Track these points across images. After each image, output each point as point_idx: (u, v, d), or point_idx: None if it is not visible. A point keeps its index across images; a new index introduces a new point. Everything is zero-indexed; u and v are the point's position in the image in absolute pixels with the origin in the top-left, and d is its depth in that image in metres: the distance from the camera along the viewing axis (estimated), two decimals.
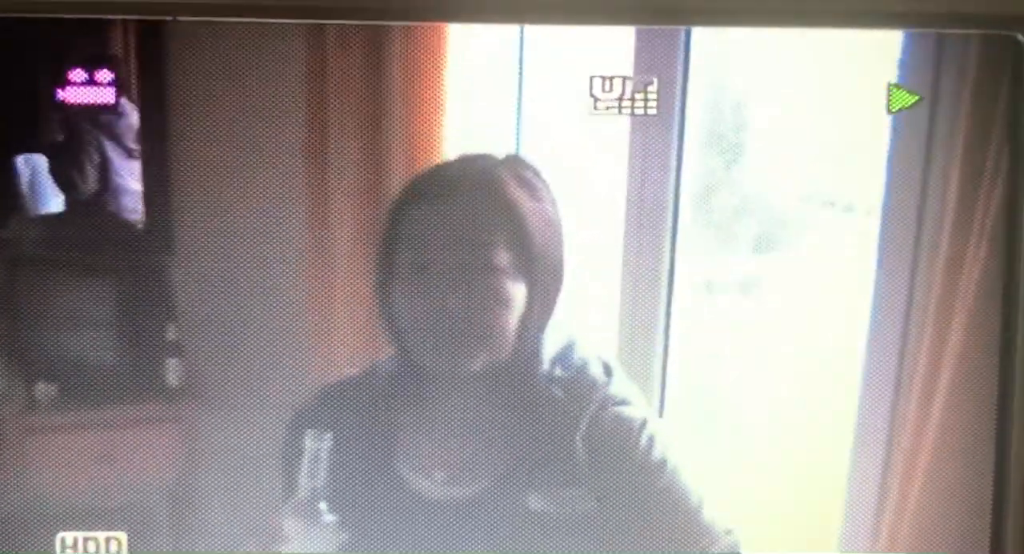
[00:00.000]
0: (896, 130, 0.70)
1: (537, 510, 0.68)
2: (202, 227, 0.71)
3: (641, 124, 0.71)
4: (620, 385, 0.70)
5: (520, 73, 0.71)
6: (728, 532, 0.69)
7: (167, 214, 0.71)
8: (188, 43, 0.69)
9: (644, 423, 0.69)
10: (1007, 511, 0.69)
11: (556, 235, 0.69)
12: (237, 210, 0.70)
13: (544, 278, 0.68)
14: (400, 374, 0.71)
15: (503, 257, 0.67)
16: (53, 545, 0.69)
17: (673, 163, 0.73)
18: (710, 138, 0.73)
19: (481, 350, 0.68)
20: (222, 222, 0.70)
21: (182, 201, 0.71)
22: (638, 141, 0.72)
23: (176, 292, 0.72)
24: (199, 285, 0.72)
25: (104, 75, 0.66)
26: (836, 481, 0.76)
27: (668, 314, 0.76)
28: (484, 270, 0.67)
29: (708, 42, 0.71)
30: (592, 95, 0.67)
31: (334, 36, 0.70)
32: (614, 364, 0.71)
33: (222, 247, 0.70)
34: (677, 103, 0.71)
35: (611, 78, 0.67)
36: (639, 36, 0.69)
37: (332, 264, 0.73)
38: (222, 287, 0.71)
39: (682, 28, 0.70)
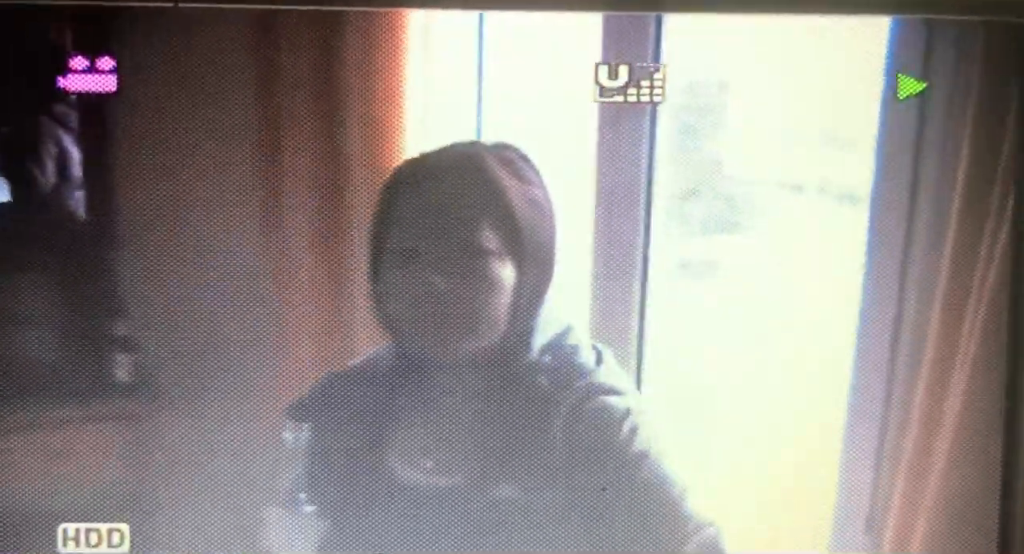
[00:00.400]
0: (888, 117, 0.69)
1: (516, 499, 0.68)
2: (152, 219, 0.70)
3: (613, 108, 0.70)
4: (609, 374, 0.70)
5: (480, 60, 0.70)
6: (710, 524, 0.69)
7: (115, 206, 0.70)
8: (136, 31, 0.67)
9: (627, 413, 0.68)
10: (1016, 514, 0.68)
11: (545, 218, 0.68)
12: (188, 201, 0.69)
13: (533, 260, 0.68)
14: (393, 362, 0.70)
15: (490, 239, 0.67)
16: (55, 537, 0.69)
17: (646, 146, 0.71)
18: (682, 122, 0.71)
19: (470, 334, 0.68)
20: (172, 213, 0.69)
21: (131, 194, 0.70)
22: (610, 123, 0.71)
23: (125, 287, 0.71)
24: (150, 279, 0.70)
25: (106, 62, 0.66)
26: (826, 470, 0.75)
27: (643, 297, 0.74)
28: (471, 252, 0.67)
29: (677, 28, 0.69)
30: (597, 83, 0.67)
31: (287, 22, 0.68)
32: (607, 352, 0.70)
33: (173, 240, 0.69)
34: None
35: (617, 65, 0.67)
36: (608, 22, 0.68)
37: (287, 255, 0.72)
38: (173, 280, 0.70)
39: (653, 15, 0.68)
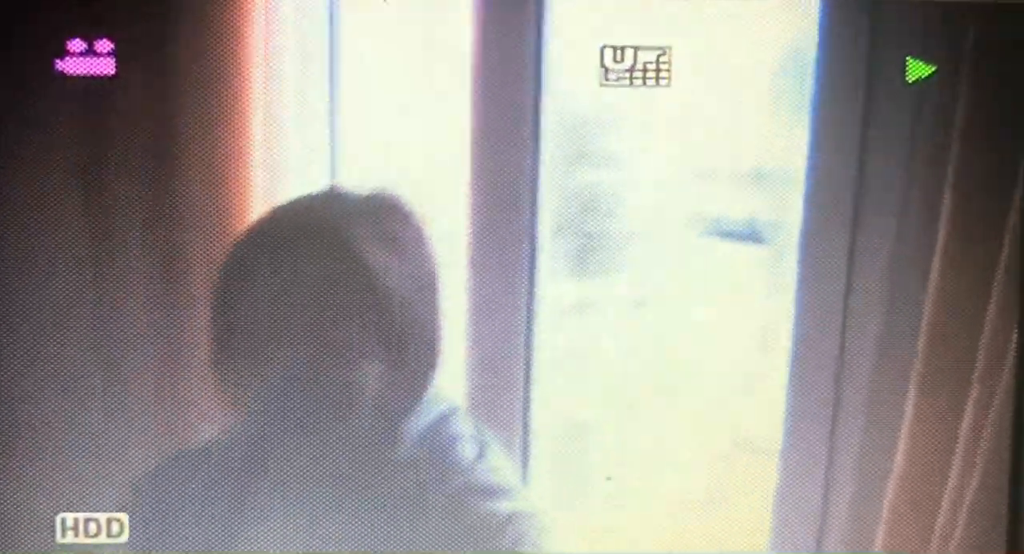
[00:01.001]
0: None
1: None
2: None
3: (493, 123, 0.65)
4: (490, 471, 0.61)
5: (332, 45, 0.65)
6: None
7: None
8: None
9: (509, 519, 0.60)
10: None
11: (428, 301, 0.59)
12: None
13: (413, 357, 0.59)
14: (247, 444, 0.61)
15: (360, 338, 0.57)
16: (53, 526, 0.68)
17: (528, 175, 0.65)
18: (571, 151, 0.66)
19: (326, 435, 0.59)
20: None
21: None
22: (488, 150, 0.64)
23: None
24: None
25: (104, 45, 0.64)
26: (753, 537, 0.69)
27: (529, 345, 0.66)
28: (333, 351, 0.57)
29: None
30: (603, 65, 0.66)
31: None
32: (492, 442, 0.62)
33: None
34: (530, 111, 0.65)
35: (622, 48, 0.65)
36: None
37: (119, 299, 0.64)
38: None
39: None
